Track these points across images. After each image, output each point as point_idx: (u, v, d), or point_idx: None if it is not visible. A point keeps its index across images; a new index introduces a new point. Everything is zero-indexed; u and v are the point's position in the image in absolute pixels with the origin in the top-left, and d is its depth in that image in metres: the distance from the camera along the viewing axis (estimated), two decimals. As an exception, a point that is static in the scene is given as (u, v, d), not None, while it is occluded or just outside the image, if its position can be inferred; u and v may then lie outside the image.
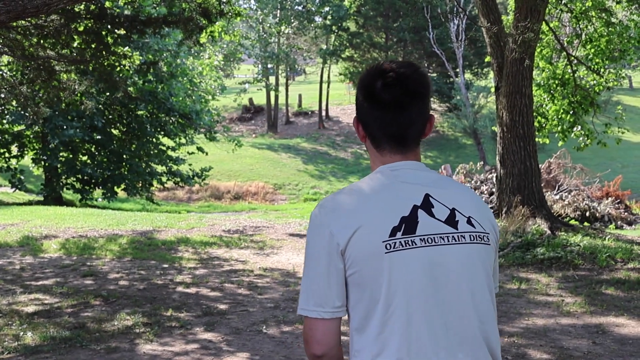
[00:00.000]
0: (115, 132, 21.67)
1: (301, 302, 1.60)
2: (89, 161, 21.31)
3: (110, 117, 20.97)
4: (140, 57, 14.83)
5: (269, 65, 42.66)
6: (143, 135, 21.22)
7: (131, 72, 13.58)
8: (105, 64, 9.73)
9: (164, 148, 22.32)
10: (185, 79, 21.92)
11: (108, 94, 17.69)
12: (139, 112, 21.05)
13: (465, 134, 36.18)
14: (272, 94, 43.05)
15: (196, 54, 24.55)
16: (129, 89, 14.19)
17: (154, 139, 21.83)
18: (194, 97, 22.59)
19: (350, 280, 1.56)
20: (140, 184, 21.82)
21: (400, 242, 1.53)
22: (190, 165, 23.17)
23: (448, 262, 1.56)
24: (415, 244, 1.54)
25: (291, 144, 39.29)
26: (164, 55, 19.88)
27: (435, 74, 40.85)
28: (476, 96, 35.10)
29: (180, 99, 21.24)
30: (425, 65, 40.80)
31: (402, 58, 39.79)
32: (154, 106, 20.76)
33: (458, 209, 1.61)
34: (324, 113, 44.27)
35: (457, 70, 34.74)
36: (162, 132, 21.90)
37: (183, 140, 23.01)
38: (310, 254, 1.59)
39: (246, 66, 54.70)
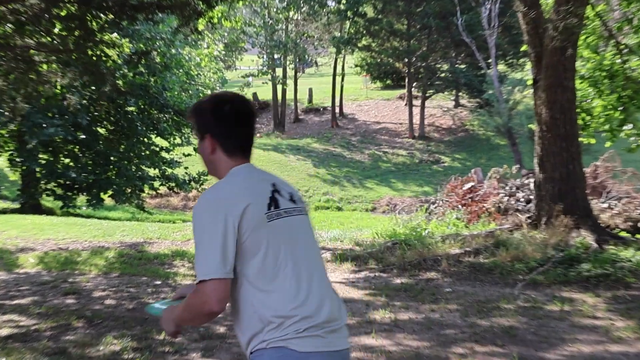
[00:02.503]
0: (101, 131, 21.73)
1: (204, 268, 2.24)
2: (71, 164, 21.36)
3: (96, 114, 21.02)
4: (131, 47, 14.86)
5: (276, 56, 42.74)
6: (133, 134, 21.24)
7: (120, 63, 13.59)
8: (91, 53, 9.74)
9: (157, 149, 22.34)
10: (181, 71, 21.96)
11: (94, 87, 17.71)
12: (129, 109, 21.06)
13: (498, 134, 36.01)
14: (279, 88, 43.16)
15: (193, 42, 24.58)
16: (117, 82, 14.21)
17: (145, 139, 21.86)
18: (190, 92, 22.60)
19: (245, 245, 2.32)
20: (129, 190, 21.85)
21: (274, 213, 2.41)
22: (186, 168, 23.20)
23: (297, 226, 2.51)
24: (281, 215, 2.44)
25: (300, 145, 39.32)
26: (157, 44, 19.91)
27: (464, 65, 40.76)
28: (511, 90, 34.92)
29: (176, 93, 21.28)
30: (453, 55, 40.72)
31: (427, 47, 39.74)
32: (146, 102, 20.79)
33: (291, 193, 2.58)
34: (337, 110, 44.29)
35: (489, 61, 34.59)
36: (155, 131, 21.92)
37: (178, 141, 23.05)
38: (206, 231, 2.29)
39: (250, 57, 54.78)
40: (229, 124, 2.52)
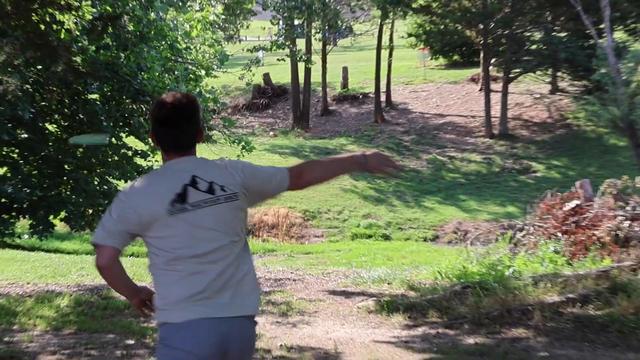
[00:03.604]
0: (51, 128, 21.87)
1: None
2: (8, 174, 21.52)
3: (44, 104, 21.18)
4: (93, 10, 14.96)
5: (296, 22, 42.81)
6: (96, 132, 21.38)
7: (78, 33, 13.70)
8: (37, 19, 9.82)
9: (129, 153, 22.44)
10: (163, 43, 22.06)
11: (41, 67, 17.90)
12: (90, 96, 21.18)
13: (614, 130, 35.73)
14: (301, 67, 43.19)
15: (180, 4, 24.78)
16: (74, 59, 14.33)
17: (113, 139, 21.98)
18: (177, 73, 22.67)
19: None
20: (90, 211, 21.92)
21: (177, 208, 4.02)
22: (170, 180, 23.29)
23: (208, 219, 4.05)
24: (187, 209, 4.02)
25: (331, 147, 39.32)
26: (130, 6, 20.06)
27: (564, 34, 40.49)
28: (633, 68, 34.67)
29: (157, 75, 21.32)
30: (549, 19, 40.50)
31: (511, 8, 39.56)
32: (114, 86, 20.86)
33: (215, 182, 4.13)
34: (383, 97, 44.24)
35: (602, 26, 34.39)
36: (127, 129, 22.02)
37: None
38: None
39: (260, 23, 55.10)
40: (160, 125, 4.27)
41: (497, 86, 41.55)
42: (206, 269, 4.03)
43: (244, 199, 4.24)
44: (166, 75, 21.78)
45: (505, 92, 40.28)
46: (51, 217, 21.79)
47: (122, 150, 22.15)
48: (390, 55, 45.68)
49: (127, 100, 21.41)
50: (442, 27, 43.27)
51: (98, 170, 21.97)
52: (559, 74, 43.10)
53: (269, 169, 4.50)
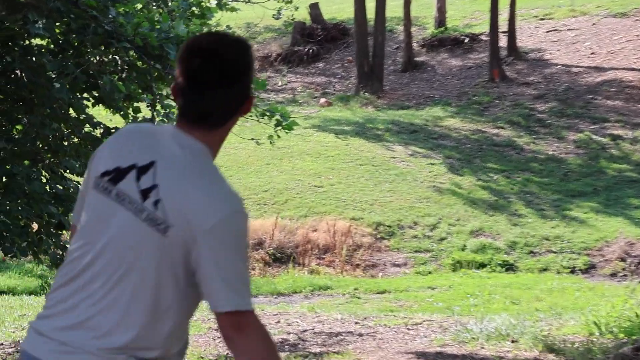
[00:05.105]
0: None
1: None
2: None
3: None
4: None
5: None
6: (42, 100, 21.38)
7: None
8: None
9: (97, 133, 22.42)
10: (147, -47, 22.15)
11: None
12: (34, 42, 21.27)
13: None
14: (371, -6, 43.26)
15: None
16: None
17: (71, 110, 21.98)
18: (171, 4, 22.75)
19: None
20: (35, 226, 22.01)
21: (101, 184, 4.01)
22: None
23: (116, 224, 3.91)
24: (109, 195, 3.96)
25: (418, 122, 39.19)
26: None
27: None
28: None
29: (139, 8, 21.39)
30: None
31: None
32: (71, 27, 20.97)
33: (161, 189, 3.86)
34: (504, 41, 44.09)
35: None
36: (95, 92, 22.00)
37: (145, 113, 23.13)
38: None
39: None
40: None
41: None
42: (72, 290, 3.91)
43: (177, 248, 3.81)
44: (154, 8, 21.81)
45: None
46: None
47: (86, 128, 21.90)
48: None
49: (94, 50, 21.30)
50: None
51: (48, 160, 21.86)
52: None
53: (221, 282, 3.77)
